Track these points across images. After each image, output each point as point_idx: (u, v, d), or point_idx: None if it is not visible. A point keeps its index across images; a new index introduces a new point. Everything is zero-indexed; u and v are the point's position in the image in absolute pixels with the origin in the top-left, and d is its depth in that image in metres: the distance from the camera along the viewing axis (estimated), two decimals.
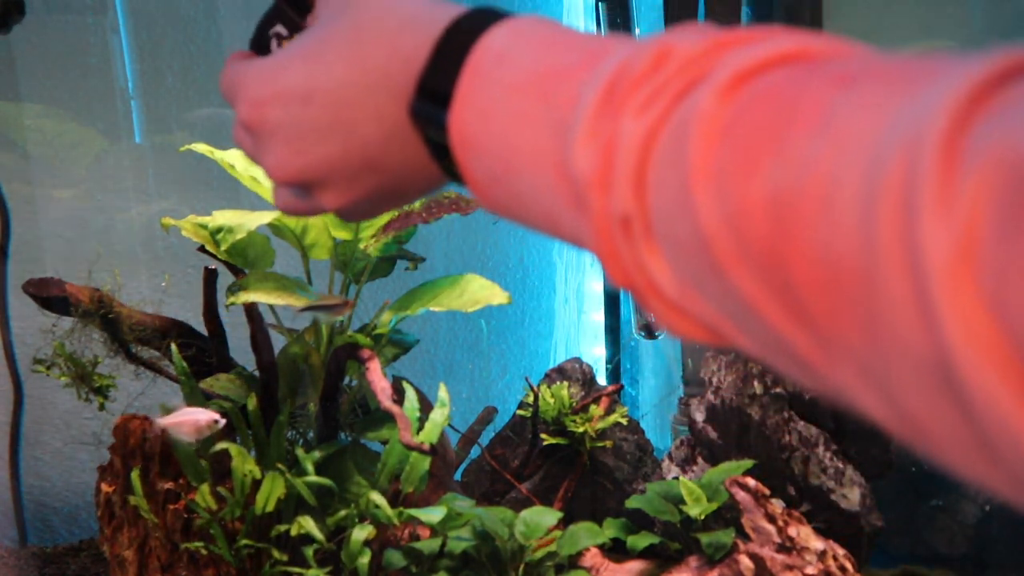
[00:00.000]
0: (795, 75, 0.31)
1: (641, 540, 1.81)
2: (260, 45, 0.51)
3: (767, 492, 1.69)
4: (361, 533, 1.63)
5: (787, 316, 0.29)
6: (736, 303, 0.31)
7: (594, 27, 2.42)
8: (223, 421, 1.57)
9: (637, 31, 2.31)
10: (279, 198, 0.50)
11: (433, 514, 1.67)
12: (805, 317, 0.28)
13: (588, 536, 1.78)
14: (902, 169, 0.25)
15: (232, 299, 1.63)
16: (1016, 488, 0.24)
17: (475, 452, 2.07)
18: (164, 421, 1.57)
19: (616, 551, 1.88)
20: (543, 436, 1.97)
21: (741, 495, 1.69)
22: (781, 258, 0.28)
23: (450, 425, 1.81)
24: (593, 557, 1.85)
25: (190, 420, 1.56)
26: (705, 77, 0.33)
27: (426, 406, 1.80)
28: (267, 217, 1.66)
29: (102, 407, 1.78)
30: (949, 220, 0.23)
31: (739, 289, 0.30)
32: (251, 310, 1.72)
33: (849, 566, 1.61)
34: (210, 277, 1.72)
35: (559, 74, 0.38)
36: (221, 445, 1.65)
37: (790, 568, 1.61)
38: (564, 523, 1.83)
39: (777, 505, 1.68)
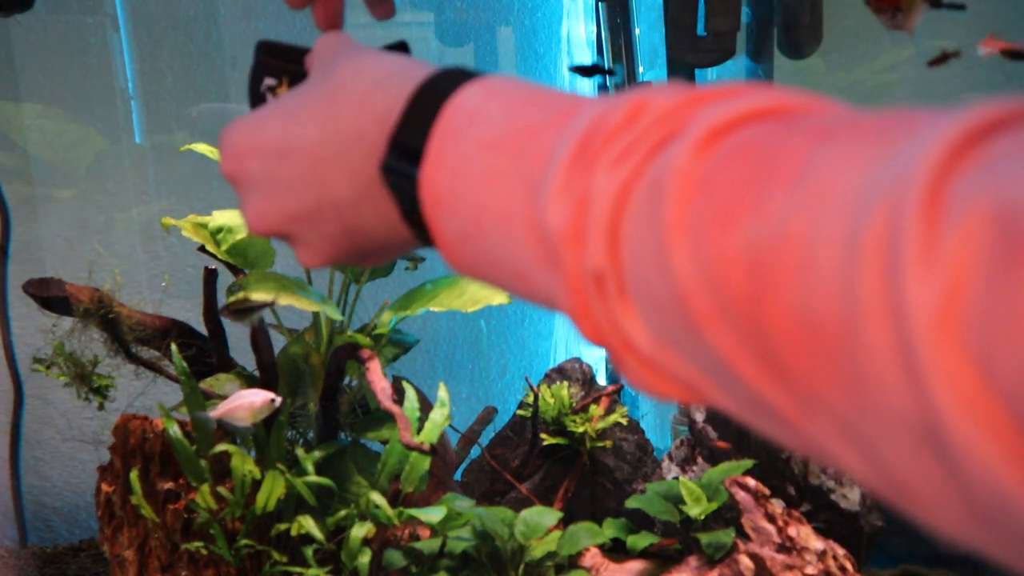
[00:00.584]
0: (771, 130, 0.30)
1: (641, 540, 1.81)
2: (256, 102, 0.52)
3: (767, 492, 1.69)
4: (360, 531, 1.63)
5: (765, 374, 0.29)
6: (713, 360, 0.30)
7: (594, 27, 2.42)
8: (279, 400, 1.57)
9: (637, 31, 2.32)
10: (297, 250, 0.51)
11: (433, 514, 1.67)
12: (783, 375, 0.28)
13: (588, 536, 1.78)
14: (884, 223, 0.24)
15: (232, 299, 1.63)
16: (1009, 550, 0.24)
17: (475, 452, 2.07)
18: (217, 412, 1.57)
19: (616, 551, 1.88)
20: (543, 436, 1.97)
21: (741, 495, 1.69)
22: (759, 315, 0.28)
23: (450, 425, 1.81)
24: (593, 557, 1.85)
25: (245, 404, 1.55)
26: (680, 132, 0.32)
27: (426, 406, 1.80)
28: None
29: (102, 407, 1.78)
30: (933, 274, 0.23)
31: (716, 346, 0.30)
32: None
33: (849, 566, 1.62)
34: (210, 277, 1.72)
35: (531, 131, 0.38)
36: (221, 446, 1.65)
37: (790, 568, 1.61)
38: (564, 523, 1.83)
39: (777, 505, 1.68)
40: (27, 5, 1.90)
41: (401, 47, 0.51)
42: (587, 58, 2.61)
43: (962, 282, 0.22)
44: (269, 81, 0.51)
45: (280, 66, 0.51)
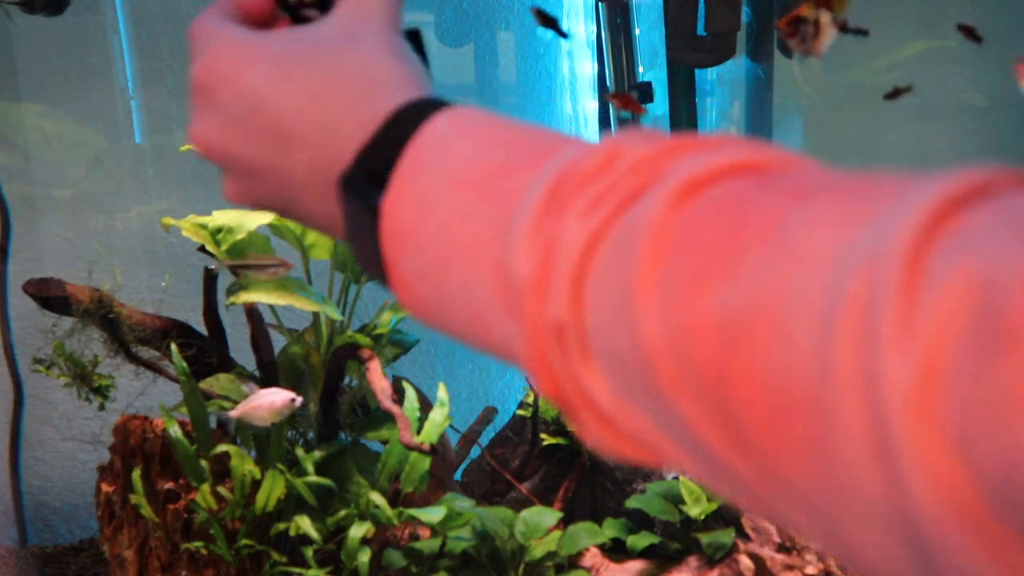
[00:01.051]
0: (747, 187, 0.29)
1: (641, 540, 1.81)
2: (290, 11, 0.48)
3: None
4: (359, 530, 1.63)
5: (727, 443, 0.28)
6: (674, 422, 0.29)
7: (594, 27, 2.42)
8: (300, 400, 1.57)
9: (637, 31, 2.32)
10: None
11: (433, 514, 1.67)
12: (749, 446, 0.27)
13: (588, 536, 1.78)
14: (861, 293, 0.24)
15: (232, 299, 1.63)
16: None
17: (475, 452, 2.07)
18: (236, 411, 1.56)
19: (616, 551, 1.88)
20: (543, 436, 1.97)
21: None
22: (725, 384, 0.27)
23: (450, 425, 1.81)
24: (593, 557, 1.85)
25: (264, 404, 1.55)
26: (655, 183, 0.31)
27: (426, 406, 1.80)
28: (267, 217, 1.66)
29: (102, 407, 1.78)
30: (910, 351, 0.22)
31: (678, 410, 0.29)
32: (251, 310, 1.72)
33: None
34: (210, 277, 1.72)
35: (502, 170, 0.36)
36: (221, 447, 1.65)
37: (790, 568, 1.61)
38: (564, 523, 1.83)
39: None
40: (60, 9, 1.92)
41: (414, 36, 0.49)
42: (587, 59, 2.61)
43: (940, 361, 0.22)
44: None
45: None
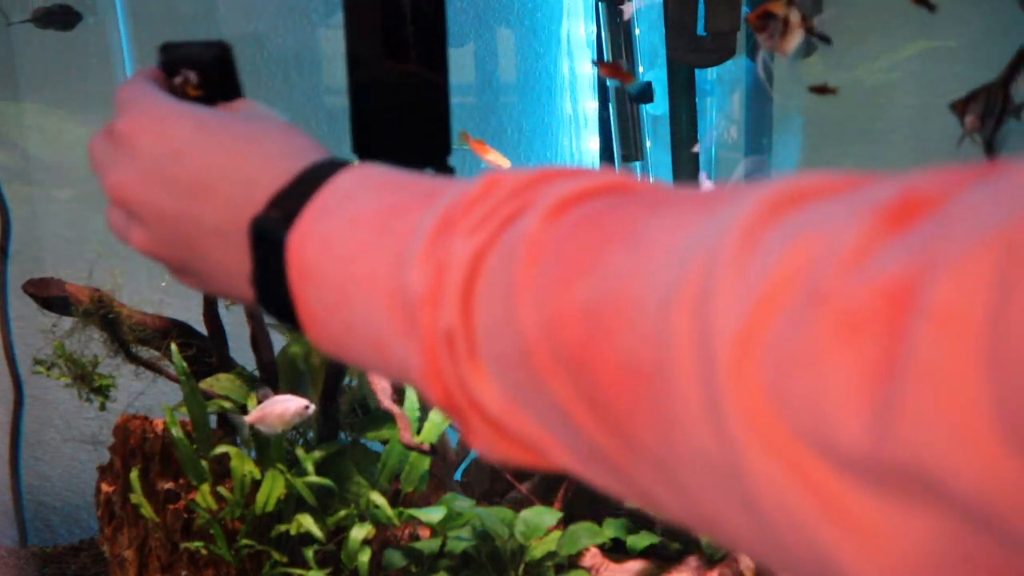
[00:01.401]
0: (608, 203, 0.33)
1: (641, 540, 1.81)
2: (169, 65, 0.51)
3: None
4: (360, 532, 1.63)
5: (596, 421, 0.30)
6: (554, 412, 0.32)
7: (594, 27, 2.42)
8: (313, 407, 1.58)
9: (637, 31, 2.32)
10: (112, 217, 0.51)
11: (433, 514, 1.67)
12: (611, 421, 0.30)
13: (588, 536, 1.78)
14: (700, 268, 0.27)
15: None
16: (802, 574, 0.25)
17: (475, 452, 2.07)
18: (251, 417, 1.58)
19: (616, 551, 1.88)
20: None
21: None
22: (590, 364, 0.30)
23: (450, 425, 1.81)
24: (593, 557, 1.85)
25: (277, 411, 1.56)
26: (530, 204, 0.35)
27: (426, 406, 1.80)
28: None
29: (103, 407, 1.78)
30: (738, 310, 0.25)
31: (555, 396, 0.31)
32: (251, 310, 1.72)
33: None
34: None
35: (400, 208, 0.40)
36: (221, 448, 1.65)
37: None
38: (564, 523, 1.83)
39: None
40: (71, 25, 1.95)
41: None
42: (587, 59, 2.62)
43: (763, 321, 0.24)
44: (191, 75, 0.51)
45: (211, 82, 0.51)
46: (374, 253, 0.39)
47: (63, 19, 1.96)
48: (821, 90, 1.56)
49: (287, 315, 0.44)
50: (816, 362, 0.23)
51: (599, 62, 2.12)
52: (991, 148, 1.27)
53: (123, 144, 0.48)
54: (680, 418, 0.27)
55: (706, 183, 1.66)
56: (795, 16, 1.29)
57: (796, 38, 1.34)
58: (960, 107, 1.25)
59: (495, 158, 1.97)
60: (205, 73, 0.50)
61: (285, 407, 1.56)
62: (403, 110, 0.50)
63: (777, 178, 0.28)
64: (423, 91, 0.51)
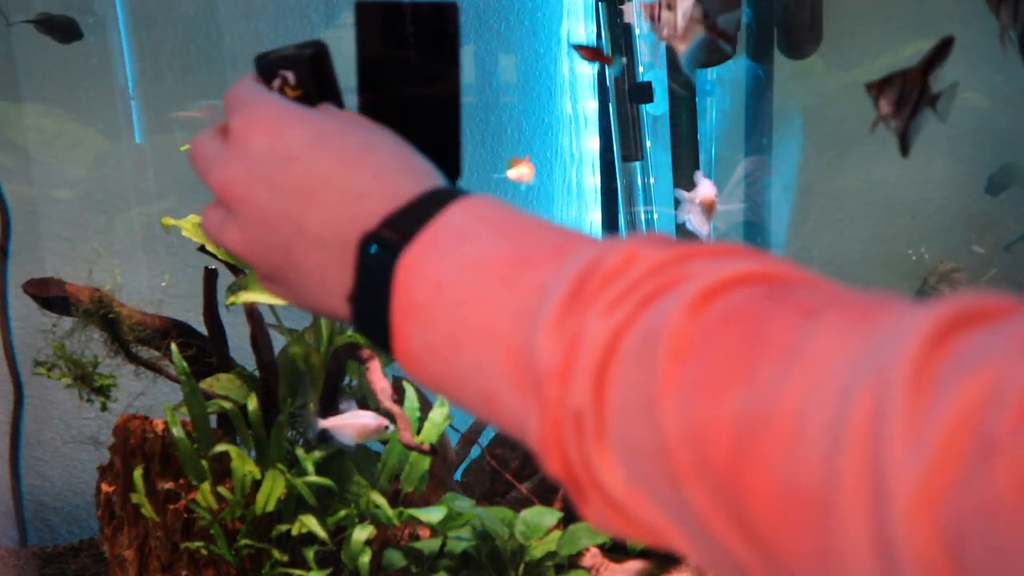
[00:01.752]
0: (757, 298, 0.32)
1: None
2: (265, 72, 0.51)
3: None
4: (362, 533, 1.63)
5: (736, 535, 0.30)
6: (686, 513, 0.31)
7: (594, 27, 2.42)
8: (392, 427, 1.59)
9: (637, 31, 2.32)
10: (208, 214, 0.50)
11: (433, 514, 1.67)
12: (757, 539, 0.29)
13: (588, 536, 1.78)
14: (870, 403, 0.26)
15: (232, 299, 1.63)
16: None
17: (475, 452, 2.07)
18: (328, 423, 1.58)
19: (616, 551, 1.88)
20: None
21: None
22: (740, 480, 0.29)
23: (450, 425, 1.81)
24: (593, 557, 1.85)
25: (357, 424, 1.58)
26: (672, 287, 0.34)
27: (426, 406, 1.80)
28: None
29: (104, 407, 1.78)
30: (917, 457, 0.24)
31: (693, 502, 0.31)
32: (251, 310, 1.72)
33: None
34: (210, 277, 1.72)
35: (523, 261, 0.39)
36: (221, 447, 1.65)
37: None
38: (564, 523, 1.83)
39: None
40: (72, 37, 1.95)
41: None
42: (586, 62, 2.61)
43: (943, 470, 0.24)
44: (289, 75, 0.50)
45: (311, 82, 0.50)
46: (493, 305, 0.38)
47: (64, 30, 1.96)
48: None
49: (378, 337, 0.43)
50: (993, 517, 0.22)
51: (577, 46, 2.12)
52: (904, 137, 1.26)
53: (234, 143, 0.47)
54: (843, 555, 0.26)
55: (704, 182, 1.66)
56: (696, 12, 1.28)
57: (694, 34, 1.33)
58: (875, 89, 1.24)
59: (518, 172, 1.99)
60: (302, 73, 0.50)
61: (365, 423, 1.58)
62: (413, 132, 0.49)
63: (943, 298, 0.27)
64: (434, 114, 0.50)
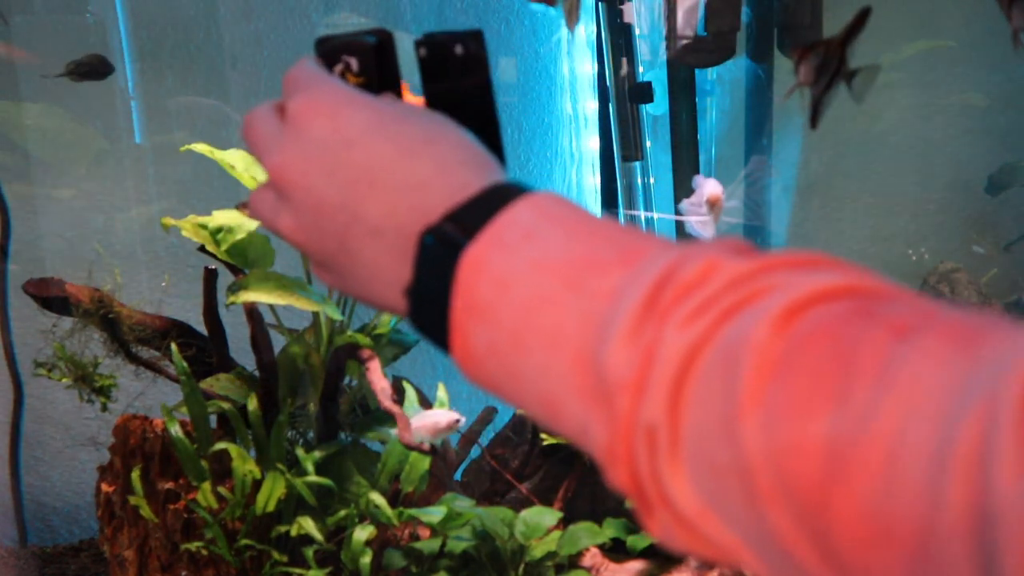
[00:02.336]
0: (847, 314, 0.31)
1: (641, 540, 1.81)
2: (327, 57, 0.49)
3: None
4: (362, 534, 1.63)
5: (821, 560, 0.29)
6: (765, 535, 0.31)
7: (594, 27, 2.42)
8: (463, 420, 1.60)
9: (637, 31, 2.31)
10: (260, 196, 0.48)
11: (433, 514, 1.67)
12: (843, 565, 0.28)
13: (588, 536, 1.78)
14: (979, 431, 0.25)
15: (232, 299, 1.63)
16: None
17: (475, 452, 2.07)
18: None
19: (616, 551, 1.88)
20: (543, 436, 1.97)
21: None
22: (828, 503, 0.28)
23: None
24: (593, 557, 1.85)
25: (428, 424, 1.58)
26: (754, 300, 0.33)
27: (426, 406, 1.80)
28: None
29: (105, 407, 1.78)
30: None
31: (773, 524, 0.30)
32: (251, 310, 1.72)
33: None
34: (210, 277, 1.72)
35: (593, 264, 0.37)
36: (221, 445, 1.65)
37: None
38: (564, 523, 1.83)
39: None
40: (109, 70, 1.99)
41: (477, 36, 0.49)
42: (587, 59, 2.61)
43: None
44: (352, 61, 0.49)
45: (375, 70, 0.49)
46: (561, 308, 0.37)
47: (97, 69, 2.00)
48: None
49: (434, 333, 0.42)
50: None
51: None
52: (816, 108, 1.26)
53: (293, 125, 0.45)
54: None
55: (708, 182, 1.66)
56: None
57: (576, 13, 1.39)
58: (797, 55, 1.24)
59: None
60: (366, 60, 0.49)
61: (436, 420, 1.58)
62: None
63: None
64: (477, 127, 0.49)
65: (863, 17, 1.22)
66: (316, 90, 0.46)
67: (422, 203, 0.42)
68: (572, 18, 1.50)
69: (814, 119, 1.28)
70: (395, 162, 0.43)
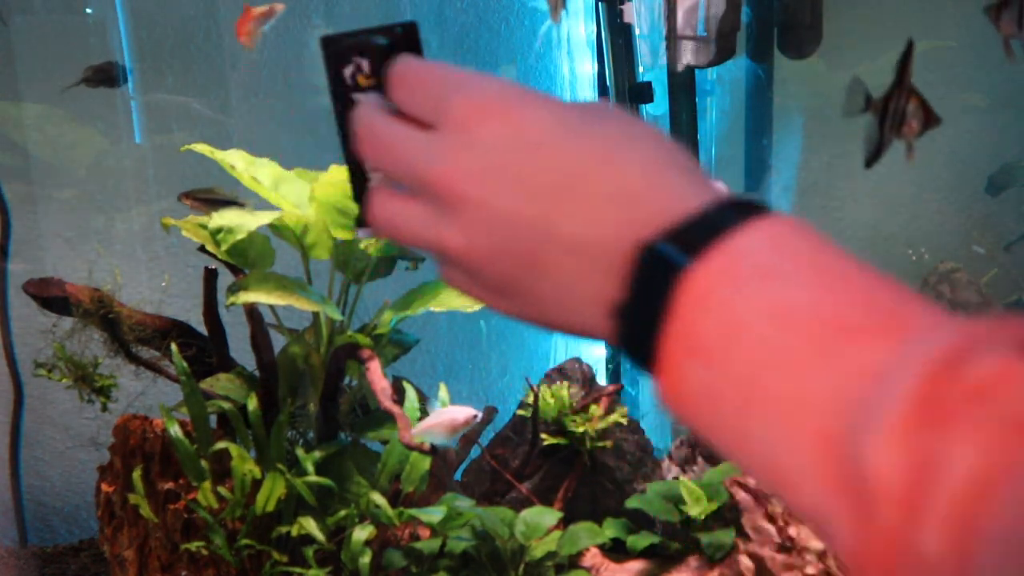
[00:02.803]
0: None
1: (641, 540, 1.81)
2: (336, 58, 0.46)
3: (767, 492, 1.69)
4: (362, 533, 1.63)
5: None
6: None
7: (594, 27, 2.42)
8: (480, 415, 1.58)
9: (637, 31, 2.32)
10: (405, 212, 0.41)
11: (433, 514, 1.67)
12: None
13: (588, 536, 1.78)
14: None
15: (232, 299, 1.63)
16: None
17: (475, 452, 2.07)
18: (418, 429, 1.57)
19: (616, 551, 1.88)
20: (543, 436, 1.97)
21: (741, 495, 1.69)
22: None
23: None
24: (593, 557, 1.85)
25: (445, 421, 1.56)
26: None
27: (426, 406, 1.80)
28: (267, 217, 1.66)
29: (105, 408, 1.78)
30: None
31: None
32: (251, 310, 1.72)
33: None
34: (210, 277, 1.72)
35: (846, 328, 0.32)
36: (221, 445, 1.65)
37: (790, 568, 1.61)
38: (564, 523, 1.83)
39: (777, 505, 1.68)
40: (117, 83, 2.03)
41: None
42: (587, 59, 2.61)
43: None
44: (363, 62, 0.46)
45: (353, 52, 0.46)
46: (806, 375, 0.32)
47: (112, 76, 2.04)
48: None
49: (640, 358, 0.37)
50: None
51: None
52: (880, 149, 1.29)
53: (454, 129, 0.40)
54: None
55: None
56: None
57: (559, 10, 1.47)
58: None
59: None
60: (378, 61, 0.46)
61: (453, 417, 1.56)
62: None
63: None
64: None
65: (910, 50, 1.25)
66: (475, 88, 0.40)
67: (632, 215, 0.37)
68: (556, 12, 1.53)
69: (872, 160, 1.27)
70: (593, 168, 0.38)
